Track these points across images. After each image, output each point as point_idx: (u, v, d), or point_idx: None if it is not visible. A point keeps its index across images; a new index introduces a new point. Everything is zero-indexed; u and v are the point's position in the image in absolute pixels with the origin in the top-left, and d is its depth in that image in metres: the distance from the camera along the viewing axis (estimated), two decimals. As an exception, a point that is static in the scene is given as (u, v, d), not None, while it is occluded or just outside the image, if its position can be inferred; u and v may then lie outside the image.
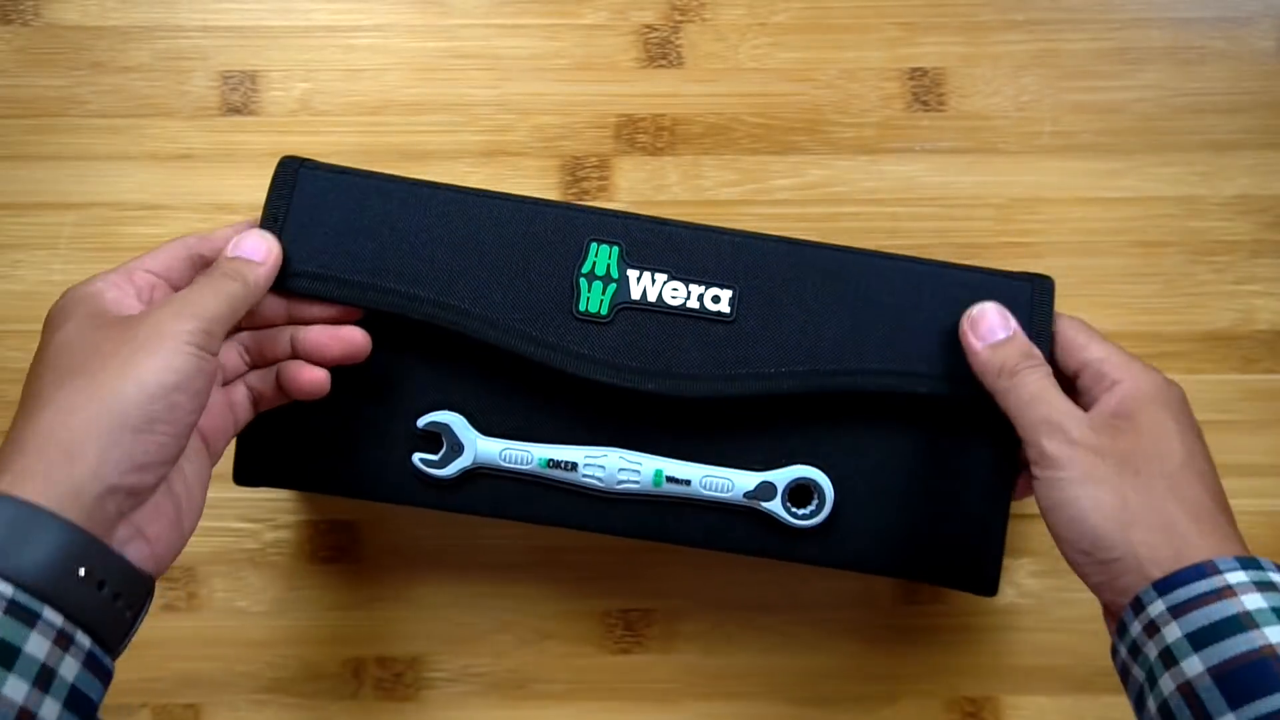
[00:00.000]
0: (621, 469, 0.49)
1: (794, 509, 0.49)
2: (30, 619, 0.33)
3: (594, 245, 0.49)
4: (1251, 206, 0.58)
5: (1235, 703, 0.35)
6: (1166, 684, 0.37)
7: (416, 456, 0.49)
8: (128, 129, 0.59)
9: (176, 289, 0.44)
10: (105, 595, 0.36)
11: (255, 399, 0.47)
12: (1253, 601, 0.37)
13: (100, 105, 0.59)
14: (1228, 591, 0.37)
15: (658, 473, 0.49)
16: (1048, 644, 0.56)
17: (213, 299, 0.41)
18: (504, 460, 0.49)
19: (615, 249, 0.49)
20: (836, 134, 0.59)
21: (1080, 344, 0.46)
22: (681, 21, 0.59)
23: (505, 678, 0.57)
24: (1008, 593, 0.57)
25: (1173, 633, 0.37)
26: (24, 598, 0.33)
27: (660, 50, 0.59)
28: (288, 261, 0.47)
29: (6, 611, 0.33)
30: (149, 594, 0.39)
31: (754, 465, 0.50)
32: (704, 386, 0.48)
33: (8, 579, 0.33)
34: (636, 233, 0.49)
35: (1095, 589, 0.42)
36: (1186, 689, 0.37)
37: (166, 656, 0.57)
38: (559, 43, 0.59)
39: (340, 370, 0.47)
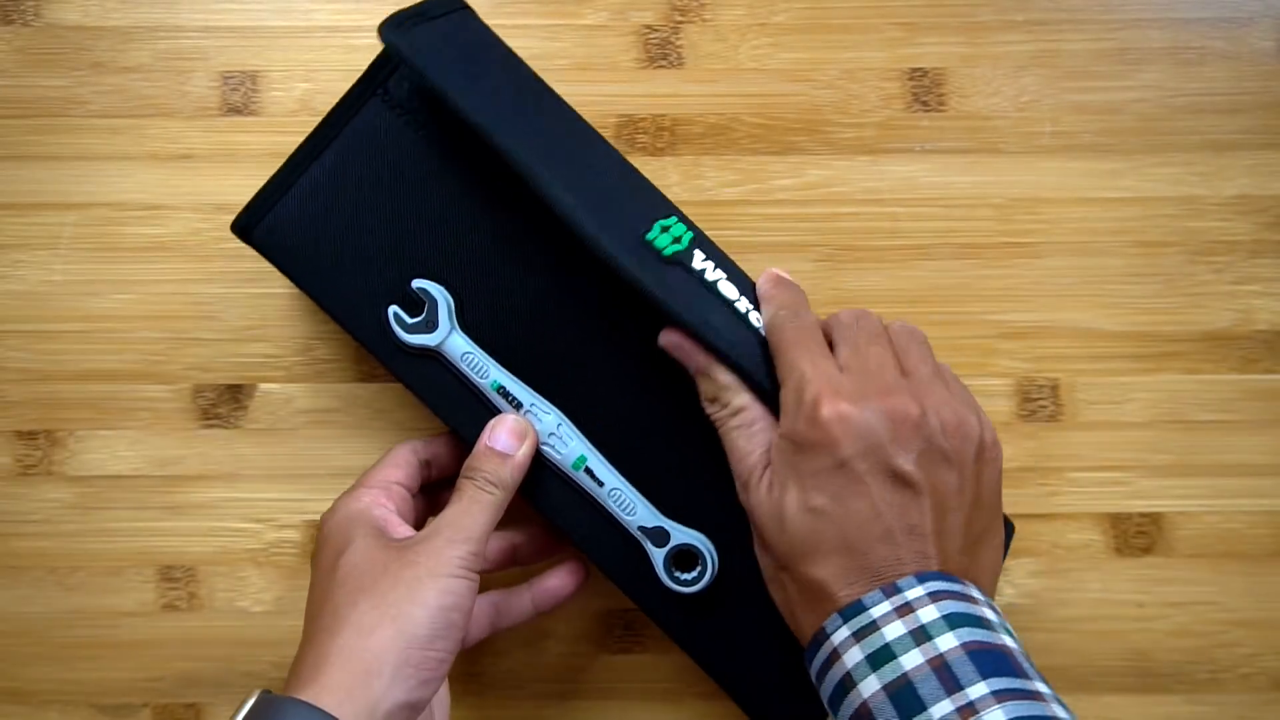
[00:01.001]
0: (553, 434, 0.49)
1: (674, 569, 0.49)
2: None
3: (675, 217, 0.49)
4: (1251, 206, 0.58)
5: None
6: None
7: (392, 309, 0.49)
8: (128, 129, 0.59)
9: (413, 493, 0.49)
10: None
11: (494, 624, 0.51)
12: (852, 658, 0.38)
13: (101, 105, 0.59)
14: (834, 656, 0.39)
15: (580, 458, 0.49)
16: (1047, 644, 0.56)
17: (480, 517, 0.45)
18: (462, 362, 0.49)
19: (692, 233, 0.49)
20: (837, 134, 0.59)
21: (780, 369, 0.45)
22: (681, 22, 0.59)
23: (504, 678, 0.57)
24: (1007, 592, 0.57)
25: (824, 698, 0.40)
26: None
27: (660, 51, 0.59)
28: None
29: None
30: None
31: (674, 511, 0.49)
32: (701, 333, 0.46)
33: None
34: (707, 240, 0.50)
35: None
36: None
37: (167, 656, 0.57)
38: (559, 43, 0.59)
39: (391, 185, 0.49)
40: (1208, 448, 0.57)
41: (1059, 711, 0.36)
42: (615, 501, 0.49)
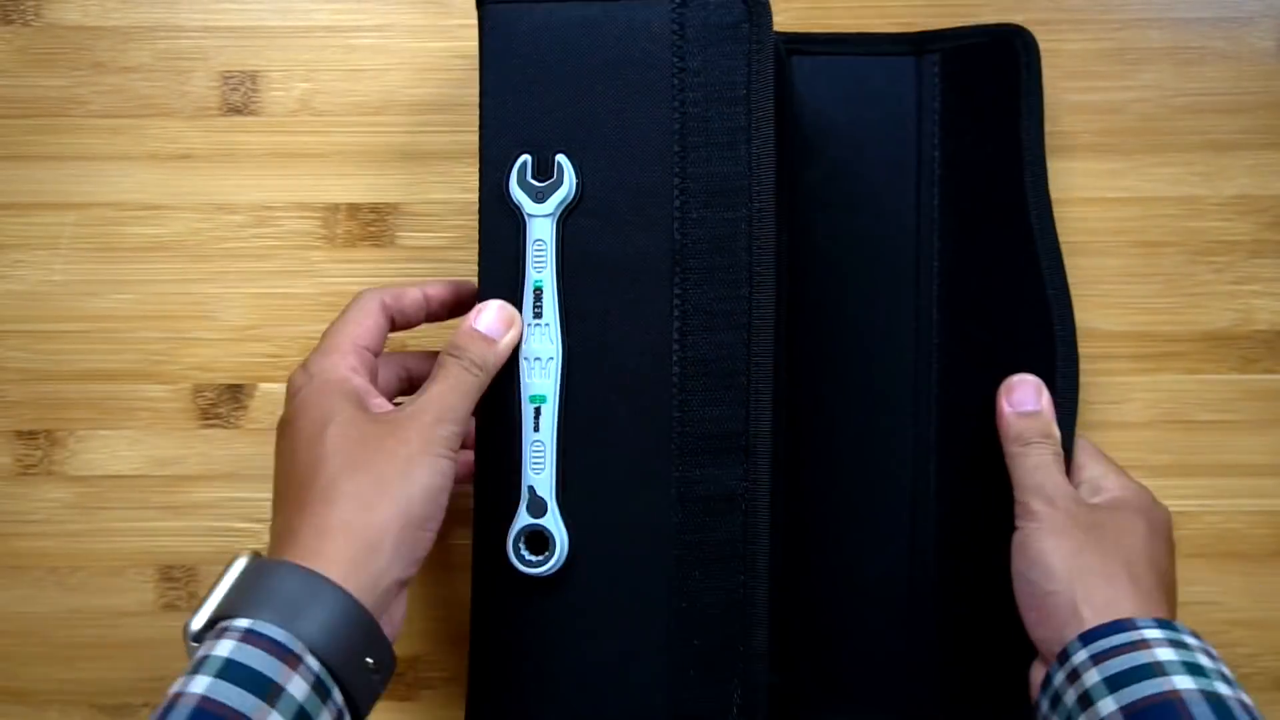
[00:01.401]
0: (538, 358, 0.48)
1: (523, 545, 0.47)
2: (325, 696, 0.38)
3: None
4: (1251, 206, 0.58)
5: None
6: (1057, 709, 0.43)
7: (525, 156, 0.48)
8: (128, 129, 0.59)
9: (377, 354, 0.48)
10: (377, 680, 0.41)
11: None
12: (1164, 654, 0.41)
13: (101, 105, 0.59)
14: (1142, 644, 0.42)
15: (541, 395, 0.48)
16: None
17: (461, 399, 0.45)
18: (532, 245, 0.48)
19: None
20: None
21: (1080, 464, 0.51)
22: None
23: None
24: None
25: (1092, 678, 0.42)
26: (327, 677, 0.38)
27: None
28: None
29: (313, 687, 0.38)
30: (393, 674, 0.43)
31: (572, 503, 0.47)
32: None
33: (319, 658, 0.38)
34: None
35: (1032, 627, 0.46)
36: None
37: (168, 656, 0.57)
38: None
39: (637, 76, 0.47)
40: (1208, 448, 0.57)
41: None
42: (531, 450, 0.48)
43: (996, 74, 0.54)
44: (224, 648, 0.37)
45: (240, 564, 0.42)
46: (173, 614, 0.57)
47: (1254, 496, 0.57)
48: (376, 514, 0.41)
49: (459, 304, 0.51)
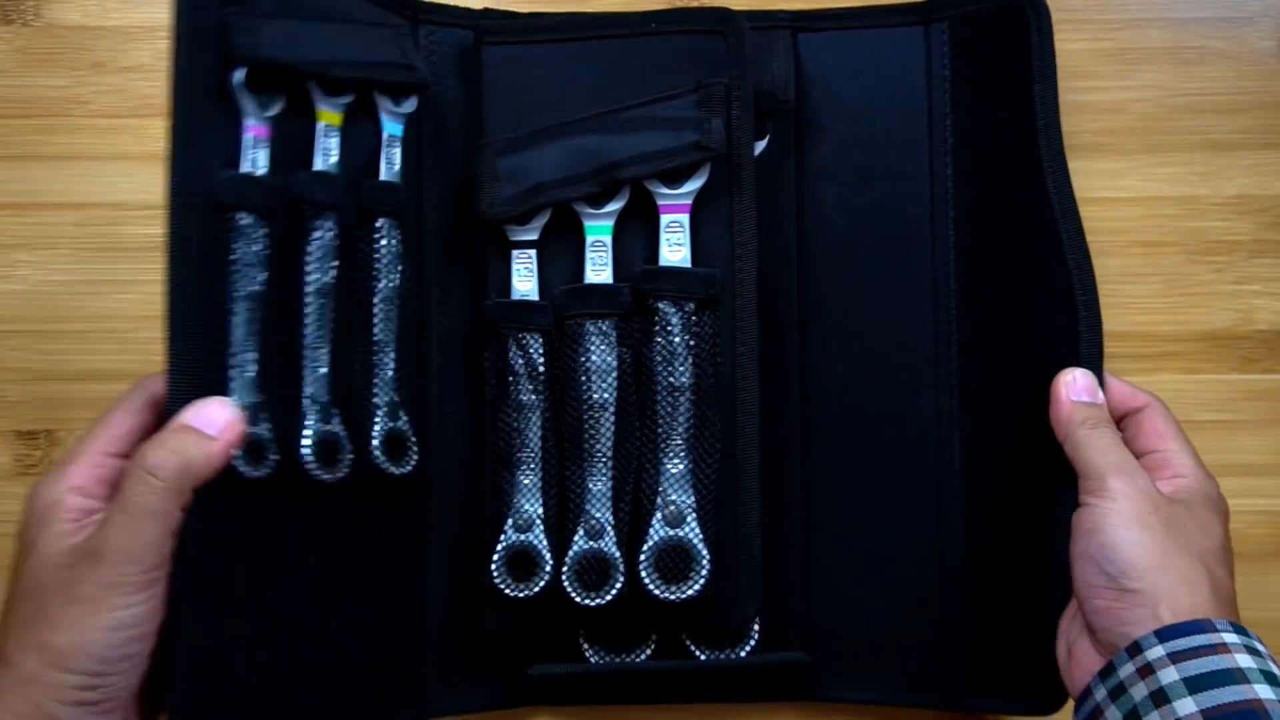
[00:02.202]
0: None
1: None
2: None
3: None
4: (1251, 206, 0.58)
5: None
6: (1132, 705, 0.42)
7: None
8: (128, 129, 0.59)
9: (148, 435, 0.43)
10: None
11: None
12: (1244, 660, 0.41)
13: (101, 105, 0.59)
14: (1223, 648, 0.41)
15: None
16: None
17: (148, 530, 0.40)
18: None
19: None
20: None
21: (1160, 432, 0.49)
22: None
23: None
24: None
25: (1169, 675, 0.41)
26: None
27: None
28: None
29: None
30: None
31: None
32: None
33: None
34: None
35: (1096, 615, 0.45)
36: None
37: (167, 656, 0.57)
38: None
39: None
40: (1208, 448, 0.57)
41: None
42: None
43: (1007, 39, 0.53)
44: None
45: None
46: (173, 614, 0.57)
47: (1254, 496, 0.57)
48: (45, 678, 0.39)
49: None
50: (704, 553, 0.49)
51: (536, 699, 0.54)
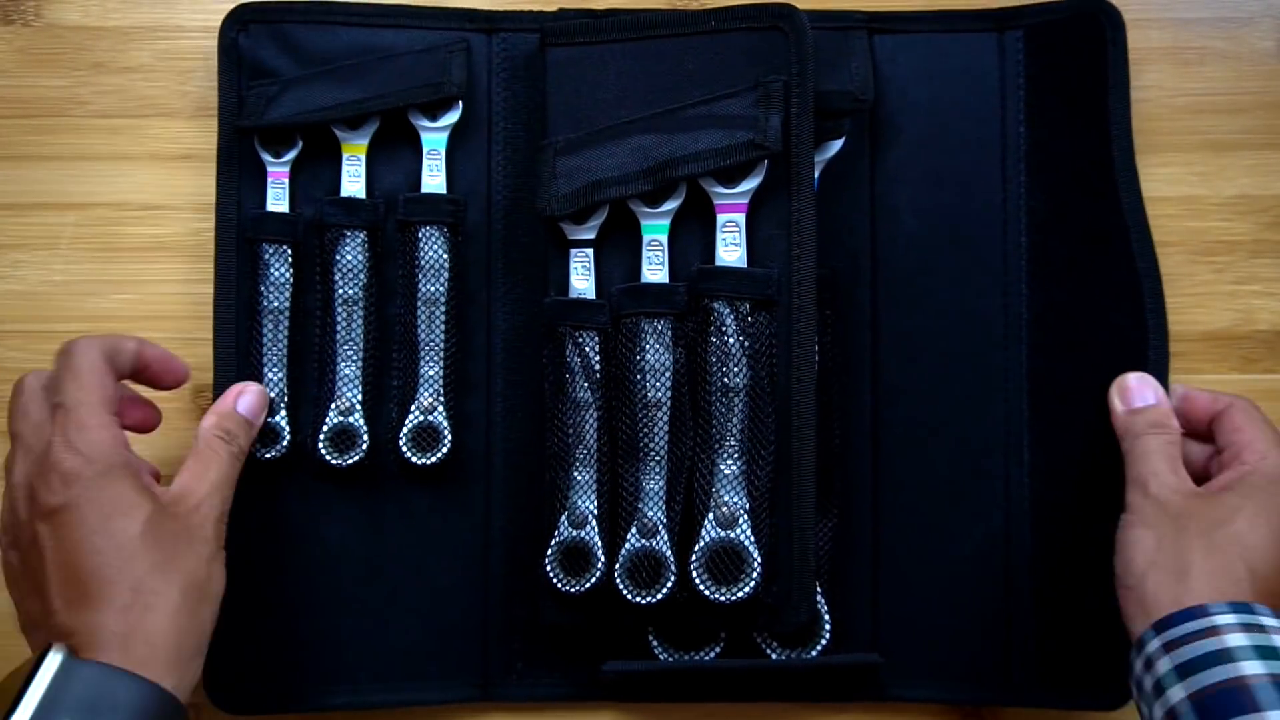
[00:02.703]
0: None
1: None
2: None
3: None
4: (1251, 206, 0.58)
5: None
6: (1158, 712, 0.42)
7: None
8: (128, 129, 0.59)
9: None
10: None
11: None
12: (1235, 640, 0.41)
13: (101, 105, 0.59)
14: (1211, 631, 0.42)
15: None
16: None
17: (231, 488, 0.48)
18: None
19: None
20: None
21: (1236, 425, 0.49)
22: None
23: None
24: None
25: (1164, 666, 0.42)
26: None
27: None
28: None
29: None
30: None
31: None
32: None
33: None
34: None
35: (1125, 620, 0.46)
36: (1170, 715, 0.42)
37: (167, 656, 0.57)
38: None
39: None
40: (1208, 448, 0.57)
41: None
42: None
43: (1081, 48, 0.53)
44: None
45: (55, 662, 0.39)
46: (173, 614, 0.57)
47: (1254, 496, 0.57)
48: (197, 619, 0.43)
49: (167, 372, 0.51)
50: (755, 555, 0.49)
51: (602, 693, 0.54)
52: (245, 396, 0.51)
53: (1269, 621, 0.42)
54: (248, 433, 0.51)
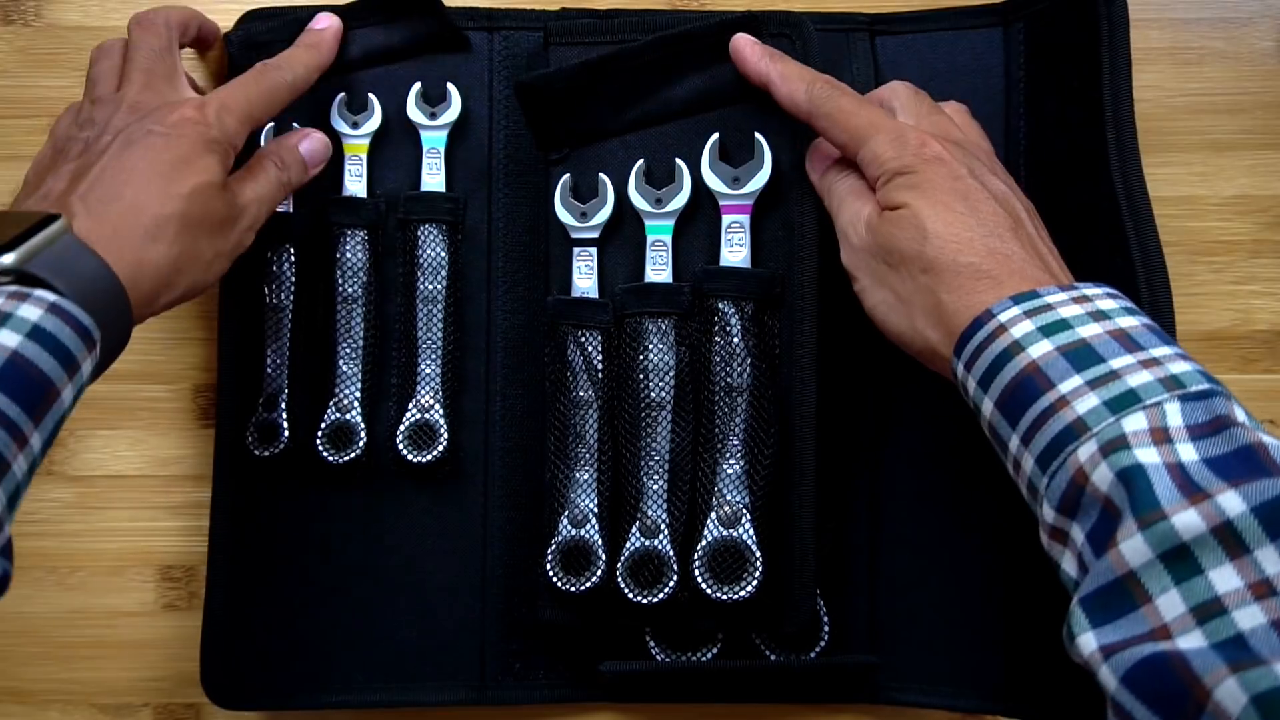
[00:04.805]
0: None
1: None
2: (96, 374, 0.43)
3: None
4: (1251, 206, 0.58)
5: (1013, 421, 0.39)
6: (985, 430, 0.41)
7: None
8: (128, 129, 0.59)
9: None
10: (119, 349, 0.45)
11: None
12: (1020, 330, 0.39)
13: (101, 105, 0.59)
14: (999, 330, 0.40)
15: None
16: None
17: (273, 206, 0.50)
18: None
19: None
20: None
21: (847, 147, 0.47)
22: (682, 22, 0.59)
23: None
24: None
25: (970, 384, 0.41)
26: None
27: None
28: None
29: (95, 367, 0.42)
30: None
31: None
32: None
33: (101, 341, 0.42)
34: None
35: (937, 368, 0.45)
36: (989, 428, 0.41)
37: (168, 656, 0.57)
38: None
39: None
40: (1207, 448, 0.57)
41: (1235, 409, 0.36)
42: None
43: (1078, 33, 0.52)
44: (31, 312, 0.38)
45: (54, 228, 0.41)
46: (173, 614, 0.57)
47: (1254, 496, 0.57)
48: (177, 278, 0.44)
49: (212, 35, 0.55)
50: (757, 554, 0.49)
51: (600, 694, 0.55)
52: (309, 140, 0.52)
53: (1054, 297, 0.40)
54: (301, 171, 0.51)
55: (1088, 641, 0.34)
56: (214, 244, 0.46)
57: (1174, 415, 0.35)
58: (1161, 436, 0.35)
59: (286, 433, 0.54)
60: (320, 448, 0.54)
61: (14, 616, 0.57)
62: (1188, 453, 0.34)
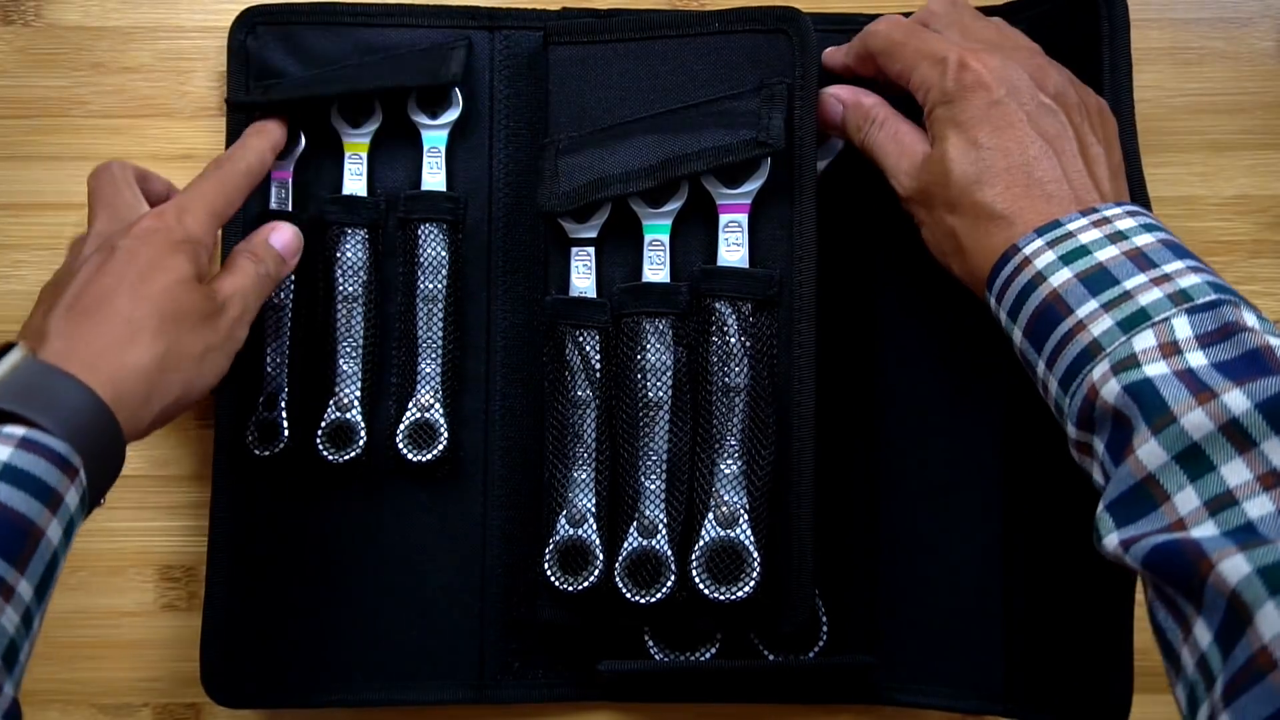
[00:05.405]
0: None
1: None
2: (86, 503, 0.41)
3: None
4: (1251, 206, 0.58)
5: (1038, 347, 0.41)
6: (1025, 363, 0.43)
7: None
8: (129, 129, 0.59)
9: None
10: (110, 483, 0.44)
11: None
12: (1043, 260, 0.41)
13: (101, 106, 0.59)
14: (1024, 263, 0.42)
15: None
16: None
17: (257, 302, 0.49)
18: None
19: None
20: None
21: (894, 69, 0.48)
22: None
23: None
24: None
25: (1002, 315, 0.43)
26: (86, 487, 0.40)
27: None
28: None
29: (81, 498, 0.40)
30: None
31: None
32: None
33: (86, 471, 0.40)
34: None
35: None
36: (1020, 357, 0.43)
37: (167, 657, 0.57)
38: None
39: None
40: (1207, 448, 0.57)
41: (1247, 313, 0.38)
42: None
43: (1078, 33, 0.52)
44: (1, 451, 0.37)
45: (13, 358, 0.41)
46: (173, 614, 0.57)
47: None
48: (166, 380, 0.43)
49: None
50: (755, 555, 0.49)
51: (599, 693, 0.55)
52: (279, 232, 0.52)
53: (1075, 224, 0.42)
54: (277, 263, 0.51)
55: (1112, 540, 0.36)
56: (201, 337, 0.45)
57: (1182, 328, 0.37)
58: (1171, 350, 0.37)
59: (286, 432, 0.54)
60: (320, 447, 0.54)
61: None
62: (1197, 359, 0.36)
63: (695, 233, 0.52)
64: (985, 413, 0.55)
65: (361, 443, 0.54)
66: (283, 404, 0.54)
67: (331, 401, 0.54)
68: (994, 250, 0.43)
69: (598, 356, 0.52)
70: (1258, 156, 0.58)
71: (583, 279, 0.53)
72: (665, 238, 0.52)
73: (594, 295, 0.52)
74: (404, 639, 0.54)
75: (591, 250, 0.53)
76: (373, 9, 0.56)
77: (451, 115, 0.55)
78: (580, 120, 0.53)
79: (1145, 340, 0.37)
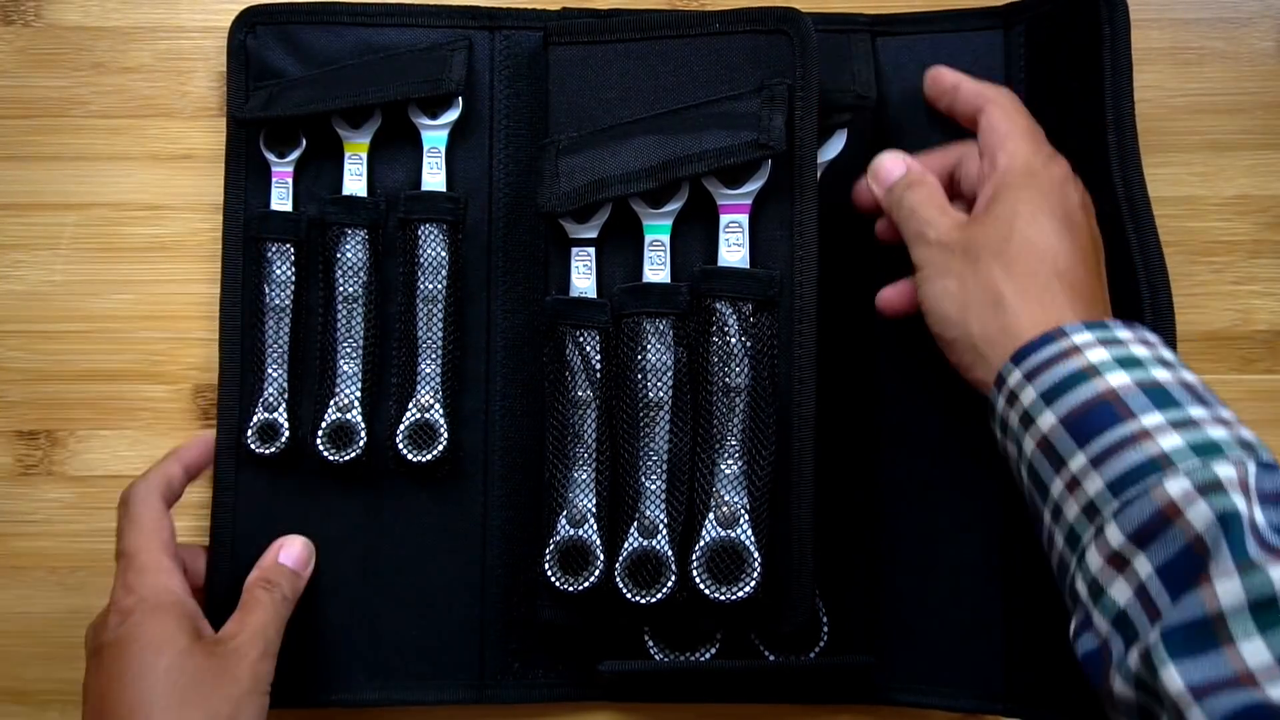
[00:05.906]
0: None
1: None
2: None
3: None
4: (1251, 207, 0.58)
5: (1082, 441, 0.39)
6: (1028, 444, 0.41)
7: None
8: (129, 129, 0.59)
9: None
10: None
11: None
12: (1096, 355, 0.41)
13: (101, 106, 0.59)
14: (1073, 351, 0.41)
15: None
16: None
17: (277, 633, 0.49)
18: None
19: None
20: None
21: (991, 124, 0.49)
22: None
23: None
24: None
25: (1029, 395, 0.41)
26: None
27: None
28: None
29: None
30: None
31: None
32: None
33: None
34: None
35: (964, 372, 0.46)
36: (1044, 442, 0.41)
37: (167, 656, 0.57)
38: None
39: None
40: (1207, 448, 0.57)
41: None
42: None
43: (1078, 34, 0.52)
44: None
45: None
46: (173, 614, 0.57)
47: (1254, 496, 0.57)
48: None
49: (204, 459, 0.54)
50: (756, 555, 0.49)
51: (599, 693, 0.55)
52: (287, 548, 0.52)
53: (1123, 334, 0.41)
54: (292, 580, 0.51)
55: (1172, 677, 0.34)
56: (225, 697, 0.45)
57: (1253, 477, 0.37)
58: (1246, 490, 0.36)
59: (286, 432, 0.54)
60: (320, 447, 0.54)
61: (14, 616, 0.57)
62: (1259, 516, 0.36)
63: (696, 233, 0.52)
64: (986, 413, 0.54)
65: (362, 443, 0.54)
66: (283, 404, 0.54)
67: (332, 402, 0.54)
68: (1026, 322, 0.43)
69: (598, 357, 0.52)
70: (1258, 156, 0.58)
71: (583, 279, 0.53)
72: (666, 238, 0.52)
73: (594, 295, 0.52)
74: (404, 639, 0.54)
75: (592, 250, 0.53)
76: (372, 9, 0.56)
77: (451, 116, 0.55)
78: (580, 120, 0.53)
79: (1227, 471, 0.36)
